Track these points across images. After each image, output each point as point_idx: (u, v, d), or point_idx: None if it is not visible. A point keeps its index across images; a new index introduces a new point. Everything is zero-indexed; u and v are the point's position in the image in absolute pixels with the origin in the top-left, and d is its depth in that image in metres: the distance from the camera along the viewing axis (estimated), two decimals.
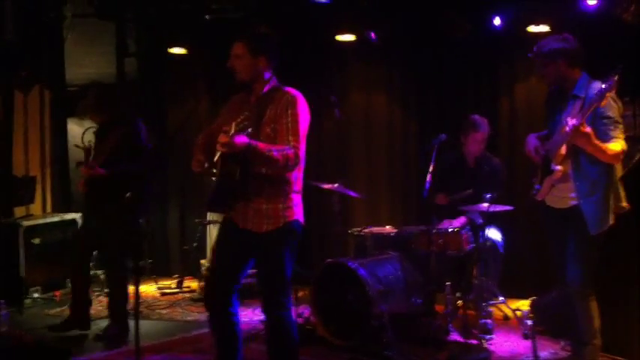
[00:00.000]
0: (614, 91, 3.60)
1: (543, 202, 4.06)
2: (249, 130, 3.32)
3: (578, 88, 3.86)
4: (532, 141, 4.13)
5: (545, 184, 3.97)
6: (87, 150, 5.05)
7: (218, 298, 3.66)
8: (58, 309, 5.91)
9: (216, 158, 3.49)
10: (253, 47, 3.54)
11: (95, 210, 5.09)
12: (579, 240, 3.85)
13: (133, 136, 4.98)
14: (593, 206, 3.80)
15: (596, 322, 3.91)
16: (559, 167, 3.85)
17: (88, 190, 4.99)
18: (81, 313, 5.16)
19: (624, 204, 3.89)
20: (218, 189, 3.54)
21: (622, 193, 3.90)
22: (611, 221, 3.84)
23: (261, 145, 3.37)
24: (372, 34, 6.07)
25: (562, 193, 3.93)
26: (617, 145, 3.69)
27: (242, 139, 3.28)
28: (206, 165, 3.60)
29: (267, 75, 3.61)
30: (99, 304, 6.03)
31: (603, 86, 3.51)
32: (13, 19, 6.40)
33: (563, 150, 3.83)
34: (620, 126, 3.75)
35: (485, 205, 4.77)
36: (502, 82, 6.26)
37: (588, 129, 3.59)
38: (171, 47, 6.84)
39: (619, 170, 3.91)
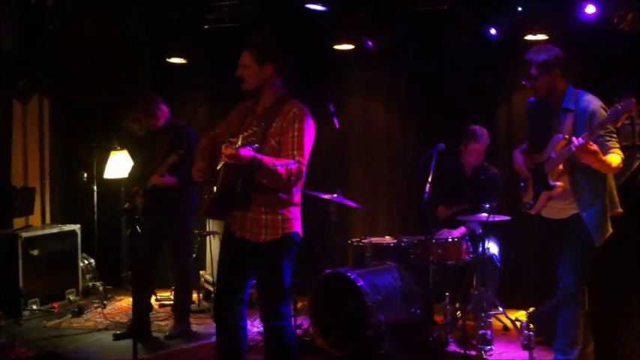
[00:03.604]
0: (629, 114, 3.51)
1: (539, 215, 4.06)
2: (256, 145, 3.32)
3: (567, 101, 3.85)
4: (519, 156, 4.15)
5: (541, 198, 3.98)
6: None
7: (227, 311, 3.67)
8: (57, 320, 5.91)
9: (219, 167, 3.49)
10: (260, 56, 3.56)
11: (158, 218, 5.17)
12: (581, 247, 3.86)
13: (187, 142, 4.99)
14: (595, 217, 3.82)
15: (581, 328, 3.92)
16: (559, 183, 3.86)
17: (148, 202, 5.09)
18: (142, 319, 5.21)
19: (619, 209, 3.91)
20: (218, 198, 3.54)
21: (616, 199, 3.91)
22: (610, 229, 3.86)
23: (265, 159, 3.37)
24: (369, 42, 6.07)
25: (561, 205, 3.94)
26: (617, 157, 3.71)
27: (247, 152, 3.29)
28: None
29: (277, 85, 3.62)
30: (97, 315, 6.03)
31: (619, 107, 3.46)
32: (13, 29, 6.41)
33: (561, 166, 3.84)
34: (615, 136, 3.77)
35: (485, 215, 4.76)
36: (500, 91, 6.26)
37: (595, 147, 3.59)
38: (169, 57, 6.84)
39: (610, 177, 3.92)
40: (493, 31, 5.70)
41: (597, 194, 3.82)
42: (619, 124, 3.56)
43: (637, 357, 4.19)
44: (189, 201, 5.21)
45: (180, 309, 5.41)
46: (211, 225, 6.50)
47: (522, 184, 4.19)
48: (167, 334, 5.32)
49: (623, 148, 4.22)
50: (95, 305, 6.34)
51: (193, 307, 6.26)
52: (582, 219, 3.81)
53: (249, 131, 3.31)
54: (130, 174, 5.71)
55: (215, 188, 3.55)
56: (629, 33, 5.06)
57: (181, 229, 5.30)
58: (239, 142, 3.26)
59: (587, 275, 3.91)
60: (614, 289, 4.29)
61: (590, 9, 5.19)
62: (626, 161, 4.18)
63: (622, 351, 4.26)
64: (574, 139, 3.63)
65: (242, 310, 3.67)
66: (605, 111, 3.73)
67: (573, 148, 3.61)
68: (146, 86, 6.92)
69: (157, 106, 5.21)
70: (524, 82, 3.97)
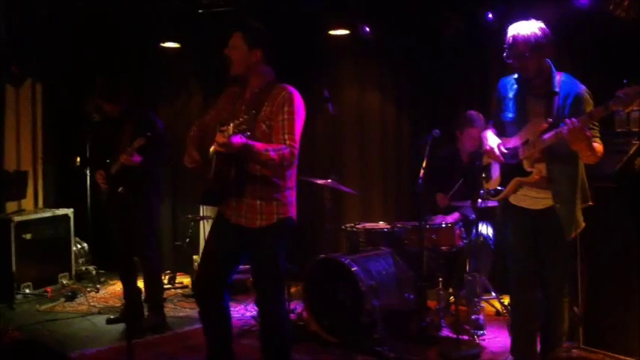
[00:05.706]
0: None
1: (505, 201, 3.87)
2: (248, 133, 3.30)
3: (552, 83, 3.64)
4: (494, 138, 3.85)
5: (511, 185, 3.78)
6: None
7: (209, 292, 3.66)
8: (50, 305, 5.90)
9: (210, 154, 3.48)
10: (250, 39, 3.53)
11: (125, 205, 5.08)
12: (558, 243, 3.71)
13: (152, 126, 4.97)
14: (569, 210, 3.65)
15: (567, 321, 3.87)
16: (536, 170, 3.67)
17: (114, 186, 5.01)
18: (134, 303, 5.22)
19: (591, 202, 3.75)
20: (212, 187, 3.53)
21: (588, 192, 3.75)
22: (583, 223, 3.72)
23: (257, 145, 3.36)
24: (365, 27, 6.05)
25: (534, 194, 3.74)
26: (600, 144, 3.55)
27: (239, 140, 3.27)
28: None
29: (265, 70, 3.60)
30: (90, 299, 6.03)
31: (632, 91, 3.21)
32: (5, 15, 6.35)
33: (539, 152, 3.63)
34: (597, 123, 3.59)
35: (479, 200, 4.75)
36: (493, 78, 6.22)
37: (589, 132, 3.42)
38: (162, 42, 6.80)
39: (583, 169, 3.75)
40: (490, 16, 5.67)
41: (573, 185, 3.66)
42: (629, 109, 3.38)
43: (637, 347, 4.11)
44: (152, 190, 5.13)
45: (155, 300, 5.23)
46: (205, 210, 6.50)
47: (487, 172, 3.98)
48: (142, 324, 5.13)
49: (618, 135, 4.23)
50: (88, 289, 6.34)
51: (187, 291, 6.29)
52: (556, 211, 3.65)
53: (240, 119, 3.28)
54: (87, 160, 5.62)
55: (208, 176, 3.53)
56: (625, 20, 5.03)
57: (144, 218, 5.11)
58: (230, 130, 3.25)
59: (569, 267, 3.83)
60: (612, 276, 4.19)
61: None
62: (622, 147, 4.15)
63: (620, 340, 4.19)
64: (567, 120, 3.40)
65: (224, 293, 3.67)
66: (590, 96, 3.60)
67: (565, 131, 3.38)
68: (123, 70, 6.86)
69: (118, 92, 5.07)
70: (509, 61, 3.66)
